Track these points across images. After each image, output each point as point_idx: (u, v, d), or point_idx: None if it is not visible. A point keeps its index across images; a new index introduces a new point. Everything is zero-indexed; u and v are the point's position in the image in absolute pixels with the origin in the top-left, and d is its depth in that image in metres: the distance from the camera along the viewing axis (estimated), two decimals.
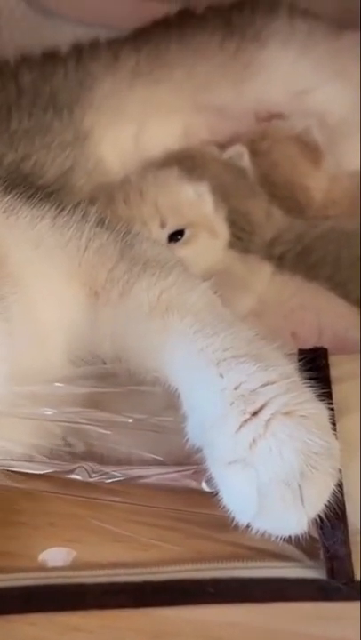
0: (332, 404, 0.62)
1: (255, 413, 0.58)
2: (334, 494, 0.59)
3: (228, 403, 0.59)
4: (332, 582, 0.66)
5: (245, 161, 1.07)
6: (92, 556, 0.70)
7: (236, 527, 0.60)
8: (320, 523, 0.62)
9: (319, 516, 0.60)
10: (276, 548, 0.67)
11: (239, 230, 1.02)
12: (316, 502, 0.58)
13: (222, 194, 1.02)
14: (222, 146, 1.10)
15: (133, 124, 1.07)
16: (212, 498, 0.61)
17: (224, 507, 0.60)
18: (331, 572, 0.65)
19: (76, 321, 0.71)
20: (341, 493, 0.61)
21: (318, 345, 0.71)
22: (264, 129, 1.12)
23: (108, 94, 1.05)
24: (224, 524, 0.61)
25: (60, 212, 0.75)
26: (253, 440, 0.58)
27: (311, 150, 1.10)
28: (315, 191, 1.10)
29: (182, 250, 0.94)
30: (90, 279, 0.72)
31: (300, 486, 0.57)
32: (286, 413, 0.58)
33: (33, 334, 0.70)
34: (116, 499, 0.71)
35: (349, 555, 0.65)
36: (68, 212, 0.75)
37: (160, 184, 0.98)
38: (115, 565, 0.69)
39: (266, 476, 0.57)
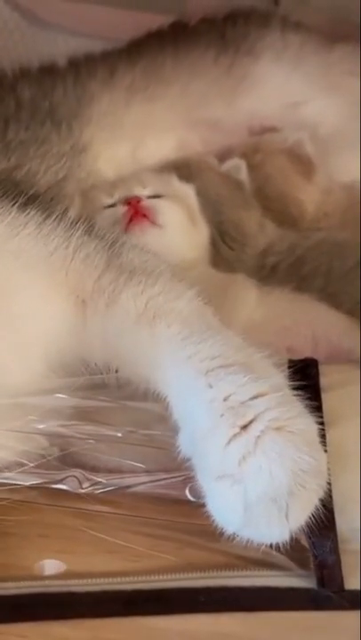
0: (321, 414, 0.62)
1: (245, 427, 0.58)
2: (324, 505, 0.59)
3: (217, 414, 0.59)
4: (322, 591, 0.65)
5: (243, 174, 1.08)
6: (83, 566, 0.70)
7: (226, 536, 0.60)
8: (310, 534, 0.63)
9: (309, 527, 0.60)
10: (267, 557, 0.67)
11: (232, 240, 1.02)
12: (300, 517, 0.58)
13: (216, 203, 1.02)
14: (219, 159, 1.11)
15: (131, 141, 1.08)
16: (200, 508, 0.61)
17: (211, 516, 0.60)
18: (321, 581, 0.65)
19: (64, 330, 0.71)
20: (331, 504, 0.62)
21: (314, 356, 0.71)
22: (256, 142, 1.12)
23: (106, 112, 1.05)
24: (214, 533, 0.61)
25: (45, 218, 0.73)
26: (243, 457, 0.57)
27: (303, 163, 1.11)
28: (307, 204, 1.10)
29: (159, 201, 0.95)
30: (77, 288, 0.71)
31: (287, 504, 0.57)
32: (277, 429, 0.58)
33: (14, 346, 0.69)
34: (107, 509, 0.70)
35: (339, 563, 0.65)
36: (55, 219, 0.74)
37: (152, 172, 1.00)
38: (106, 575, 0.69)
39: (254, 494, 0.57)
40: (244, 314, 0.93)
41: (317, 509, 0.59)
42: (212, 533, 0.62)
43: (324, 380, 0.68)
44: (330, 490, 0.60)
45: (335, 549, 0.64)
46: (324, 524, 0.61)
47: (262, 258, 1.02)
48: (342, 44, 1.13)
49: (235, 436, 0.58)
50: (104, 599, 0.67)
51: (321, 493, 0.59)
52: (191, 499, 0.66)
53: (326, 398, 0.66)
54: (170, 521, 0.70)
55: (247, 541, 0.59)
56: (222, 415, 0.59)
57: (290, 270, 1.00)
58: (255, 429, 0.58)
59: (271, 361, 0.63)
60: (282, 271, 1.00)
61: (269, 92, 1.12)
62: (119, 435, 0.68)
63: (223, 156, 1.11)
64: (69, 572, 0.69)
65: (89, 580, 0.68)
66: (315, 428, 0.60)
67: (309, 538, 0.64)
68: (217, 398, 0.59)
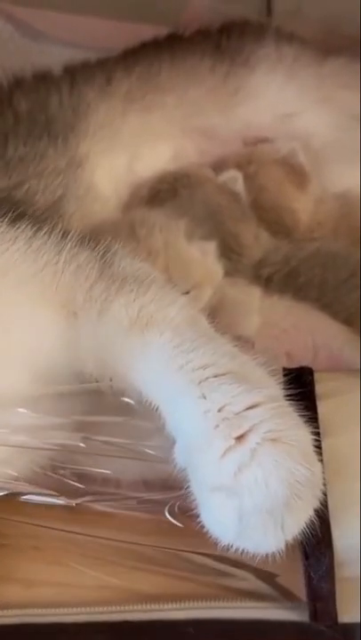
0: (316, 423, 0.62)
1: (240, 438, 0.57)
2: (321, 522, 0.59)
3: (212, 426, 0.58)
4: (314, 625, 0.65)
5: (240, 186, 1.08)
6: (74, 580, 0.69)
7: (221, 546, 0.59)
8: (306, 550, 0.63)
9: (304, 545, 0.61)
10: (259, 589, 0.67)
11: (229, 251, 1.02)
12: (295, 528, 0.58)
13: (215, 214, 1.02)
14: (213, 170, 1.11)
15: (127, 152, 1.08)
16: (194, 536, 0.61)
17: (206, 533, 0.59)
18: (314, 614, 0.65)
19: (56, 345, 0.70)
20: (327, 520, 0.62)
21: (314, 364, 0.71)
22: (250, 153, 1.13)
23: (103, 123, 1.05)
24: (206, 564, 0.61)
25: (35, 232, 0.72)
26: (239, 469, 0.57)
27: (297, 173, 1.11)
28: (301, 214, 1.10)
29: None
30: (68, 301, 0.70)
31: (282, 515, 0.56)
32: (272, 440, 0.57)
33: (3, 361, 0.69)
34: (98, 534, 0.70)
35: (333, 594, 0.64)
36: (45, 233, 0.73)
37: (170, 245, 0.97)
38: (95, 597, 0.68)
39: (250, 506, 0.56)
40: (255, 305, 0.94)
41: (313, 523, 0.58)
42: (203, 565, 0.62)
43: (319, 388, 0.68)
44: (326, 502, 0.60)
45: (331, 572, 0.64)
46: (320, 537, 0.61)
47: (258, 268, 1.02)
48: (335, 57, 1.14)
49: (230, 447, 0.57)
50: (91, 630, 0.66)
51: (316, 503, 0.58)
52: (171, 520, 0.65)
53: (322, 406, 0.66)
54: (161, 550, 0.69)
55: (242, 551, 0.59)
56: (217, 426, 0.58)
57: (285, 281, 1.00)
58: (251, 441, 0.57)
59: (265, 369, 0.63)
60: (277, 282, 1.00)
61: (264, 102, 1.12)
62: (82, 445, 0.67)
63: (218, 167, 1.11)
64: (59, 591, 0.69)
65: (75, 609, 0.68)
66: (310, 438, 0.59)
67: (306, 558, 0.63)
68: (211, 409, 0.59)
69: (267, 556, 0.59)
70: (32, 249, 0.71)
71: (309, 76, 1.13)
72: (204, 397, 0.60)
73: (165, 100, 1.08)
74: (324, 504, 0.60)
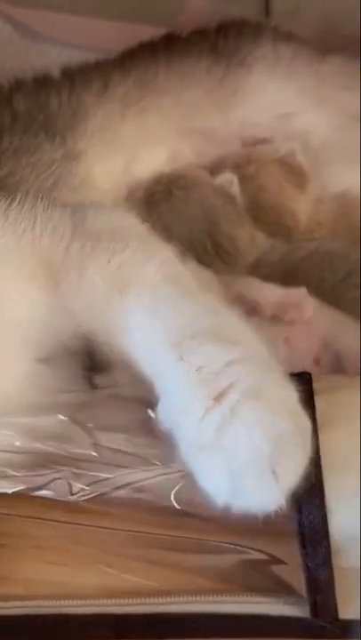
0: (315, 422, 0.62)
1: (218, 397, 0.58)
2: (317, 510, 0.60)
3: (191, 388, 0.59)
4: (315, 621, 0.65)
5: (235, 188, 1.08)
6: (76, 579, 0.69)
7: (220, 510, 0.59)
8: (303, 540, 0.63)
9: (302, 534, 0.61)
10: (260, 583, 0.67)
11: (225, 253, 1.02)
12: (290, 477, 0.57)
13: (210, 216, 1.03)
14: (211, 171, 1.11)
15: (125, 154, 1.08)
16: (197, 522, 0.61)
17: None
18: (314, 608, 0.65)
19: (47, 315, 0.69)
20: (324, 508, 0.62)
21: (309, 345, 0.72)
22: (249, 153, 1.13)
23: (101, 126, 1.05)
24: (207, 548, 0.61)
25: (9, 204, 0.71)
26: (220, 427, 0.57)
27: (296, 173, 1.11)
28: (300, 214, 1.11)
29: None
30: (51, 270, 0.68)
31: (271, 464, 0.56)
32: (252, 396, 0.57)
33: None
34: (98, 523, 0.70)
35: (332, 584, 0.64)
36: (19, 203, 0.71)
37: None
38: (97, 594, 0.68)
39: (238, 461, 0.56)
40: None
41: (310, 512, 0.59)
42: (205, 549, 0.61)
43: (317, 385, 0.67)
44: (323, 495, 0.61)
45: (328, 562, 0.64)
46: (317, 525, 0.62)
47: (254, 269, 1.02)
48: (333, 56, 1.14)
49: (209, 407, 0.57)
50: (94, 622, 0.67)
51: (307, 457, 0.58)
52: (176, 505, 0.65)
53: (321, 400, 0.65)
54: (161, 535, 0.69)
55: (245, 513, 0.58)
56: (196, 388, 0.58)
57: (282, 281, 1.00)
58: (230, 400, 0.57)
59: (248, 323, 0.63)
60: (274, 282, 1.00)
61: (262, 103, 1.12)
62: (94, 454, 0.67)
63: (216, 168, 1.11)
64: (61, 591, 0.69)
65: (79, 602, 0.68)
66: (295, 395, 0.59)
67: (303, 547, 0.64)
68: (190, 371, 0.59)
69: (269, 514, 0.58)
70: (9, 222, 0.70)
71: (308, 75, 1.13)
72: (182, 359, 0.60)
73: (162, 101, 1.08)
74: (321, 494, 0.60)
